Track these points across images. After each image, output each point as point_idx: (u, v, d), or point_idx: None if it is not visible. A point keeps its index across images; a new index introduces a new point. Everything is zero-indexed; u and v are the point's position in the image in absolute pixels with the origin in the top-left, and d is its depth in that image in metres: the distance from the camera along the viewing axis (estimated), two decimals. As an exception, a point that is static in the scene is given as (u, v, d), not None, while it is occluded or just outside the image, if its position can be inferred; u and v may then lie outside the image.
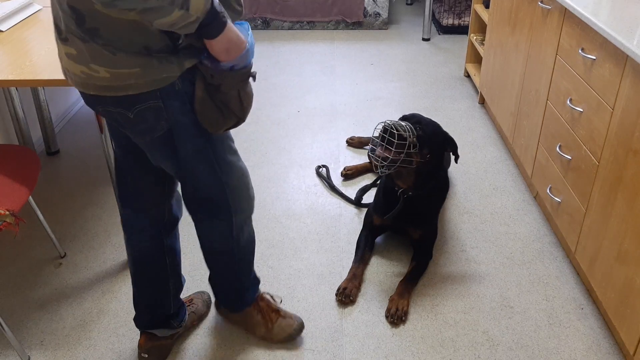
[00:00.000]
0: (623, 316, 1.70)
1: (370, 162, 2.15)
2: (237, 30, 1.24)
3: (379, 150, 1.94)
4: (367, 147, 1.98)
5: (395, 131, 1.90)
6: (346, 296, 1.98)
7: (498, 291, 2.04)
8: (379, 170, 1.97)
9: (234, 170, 1.51)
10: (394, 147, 1.91)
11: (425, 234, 2.16)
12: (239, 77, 1.29)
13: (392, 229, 2.24)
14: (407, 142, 1.92)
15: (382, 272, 2.13)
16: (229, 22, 1.21)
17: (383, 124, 1.94)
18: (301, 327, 1.84)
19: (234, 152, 1.52)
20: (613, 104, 1.72)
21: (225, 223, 1.59)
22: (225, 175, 1.49)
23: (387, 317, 1.92)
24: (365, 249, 2.16)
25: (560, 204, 2.12)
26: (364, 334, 1.87)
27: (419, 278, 2.07)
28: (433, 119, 2.12)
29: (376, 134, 1.98)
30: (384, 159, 1.92)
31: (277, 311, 1.84)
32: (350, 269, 2.09)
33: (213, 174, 1.47)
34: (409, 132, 1.94)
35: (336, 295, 2.00)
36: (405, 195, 2.08)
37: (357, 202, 2.49)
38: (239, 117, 1.36)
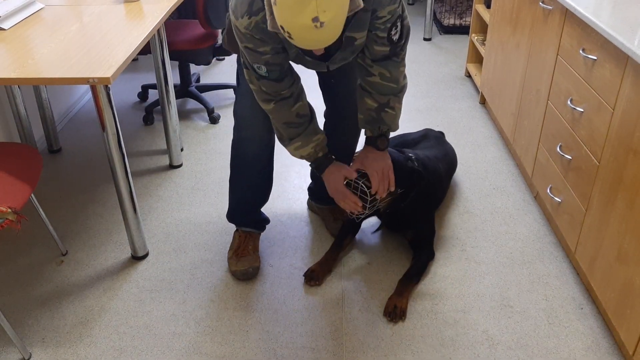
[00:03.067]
0: (623, 316, 1.70)
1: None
2: None
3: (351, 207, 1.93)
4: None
5: (363, 195, 1.92)
6: (312, 279, 2.06)
7: (498, 291, 2.04)
8: (356, 217, 2.01)
9: (241, 87, 1.92)
10: (366, 203, 1.93)
11: (418, 233, 2.17)
12: None
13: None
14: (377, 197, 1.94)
15: (382, 272, 2.13)
16: None
17: (351, 183, 1.94)
18: (249, 274, 2.07)
19: (255, 92, 1.82)
20: (614, 105, 1.73)
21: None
22: (238, 83, 1.96)
23: (385, 314, 1.93)
24: (345, 236, 2.22)
25: (561, 204, 2.12)
26: (364, 333, 1.88)
27: (419, 277, 2.07)
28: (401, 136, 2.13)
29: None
30: (360, 213, 1.94)
31: (251, 253, 2.11)
32: (326, 254, 2.15)
33: (236, 79, 1.98)
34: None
35: (304, 276, 2.08)
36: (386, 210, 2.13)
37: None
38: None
